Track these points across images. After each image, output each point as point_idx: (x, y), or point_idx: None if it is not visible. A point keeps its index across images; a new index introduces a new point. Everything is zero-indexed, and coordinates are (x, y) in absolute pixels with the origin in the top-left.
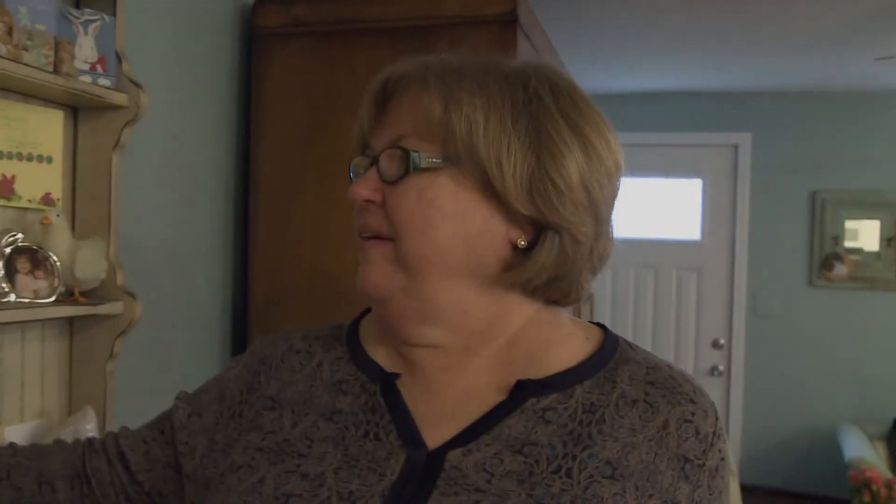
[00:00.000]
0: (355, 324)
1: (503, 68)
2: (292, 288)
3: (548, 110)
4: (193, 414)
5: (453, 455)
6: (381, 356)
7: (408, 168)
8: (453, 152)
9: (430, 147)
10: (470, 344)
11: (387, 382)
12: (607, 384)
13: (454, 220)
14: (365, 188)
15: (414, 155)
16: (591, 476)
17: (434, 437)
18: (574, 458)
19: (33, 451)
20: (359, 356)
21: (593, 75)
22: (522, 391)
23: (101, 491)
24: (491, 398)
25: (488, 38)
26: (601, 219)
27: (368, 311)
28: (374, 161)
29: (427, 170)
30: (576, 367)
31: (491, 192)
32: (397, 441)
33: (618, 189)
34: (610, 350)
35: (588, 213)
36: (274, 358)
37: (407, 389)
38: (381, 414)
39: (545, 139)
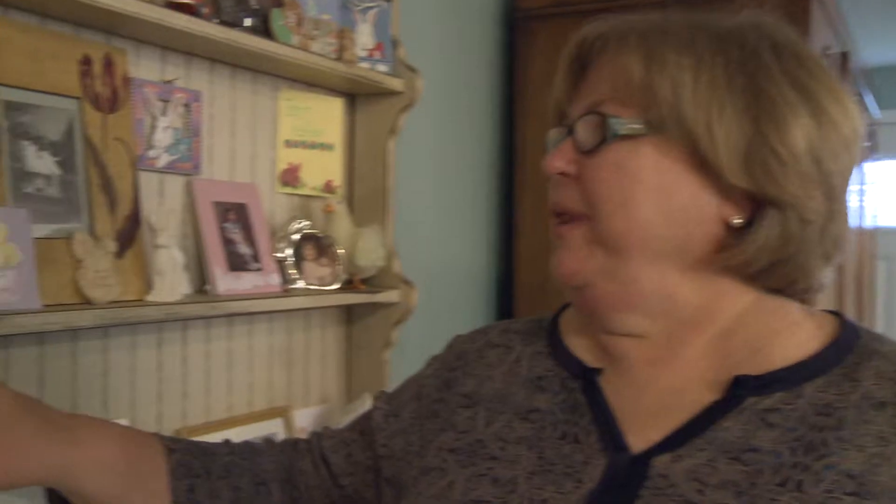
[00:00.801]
0: (556, 317)
1: (715, 25)
2: None
3: (768, 70)
4: (391, 415)
5: (660, 461)
6: (583, 350)
7: (605, 136)
8: (657, 117)
9: (630, 112)
10: (676, 333)
11: (588, 379)
12: (846, 382)
13: (658, 195)
14: (559, 160)
15: (612, 121)
16: (830, 491)
17: (638, 439)
18: (806, 468)
19: (248, 450)
20: (559, 350)
21: (881, 46)
22: (741, 389)
23: (307, 494)
24: (703, 396)
25: (776, 6)
26: (835, 195)
27: (569, 305)
28: (571, 131)
29: (627, 137)
30: (805, 362)
31: (700, 162)
32: (598, 444)
33: (856, 160)
34: (849, 342)
35: (818, 186)
36: (471, 353)
37: (610, 386)
38: (582, 413)
39: (765, 102)
